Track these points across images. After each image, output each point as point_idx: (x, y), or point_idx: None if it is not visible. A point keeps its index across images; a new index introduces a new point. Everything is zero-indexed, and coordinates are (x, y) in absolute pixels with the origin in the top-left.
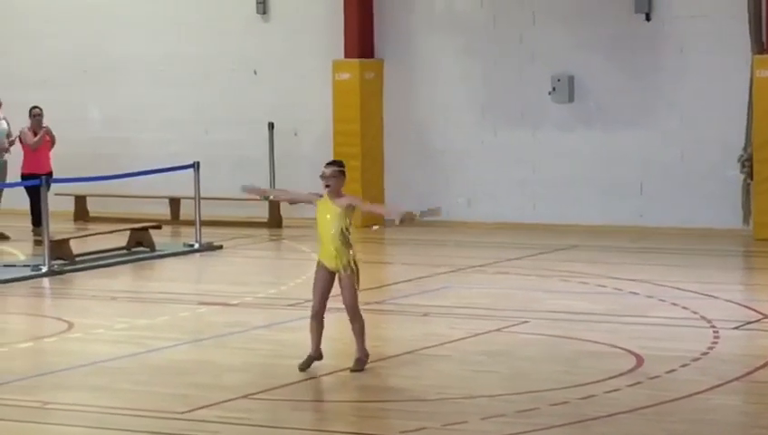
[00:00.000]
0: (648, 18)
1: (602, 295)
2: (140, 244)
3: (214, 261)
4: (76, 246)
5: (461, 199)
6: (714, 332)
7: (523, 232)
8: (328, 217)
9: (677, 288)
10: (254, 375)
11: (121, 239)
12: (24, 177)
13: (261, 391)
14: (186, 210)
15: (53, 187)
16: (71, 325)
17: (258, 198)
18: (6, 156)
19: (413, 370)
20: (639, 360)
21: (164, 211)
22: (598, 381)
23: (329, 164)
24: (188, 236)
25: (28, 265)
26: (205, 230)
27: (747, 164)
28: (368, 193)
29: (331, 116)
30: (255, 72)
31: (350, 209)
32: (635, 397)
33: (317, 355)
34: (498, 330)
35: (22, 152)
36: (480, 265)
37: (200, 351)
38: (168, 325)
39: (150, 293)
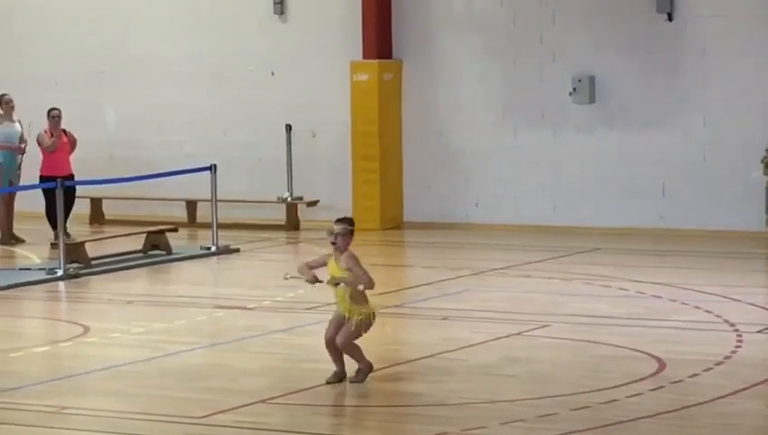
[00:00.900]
0: (670, 18)
1: (624, 299)
2: (157, 247)
3: (231, 264)
4: (92, 250)
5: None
6: (737, 335)
7: (543, 234)
8: (337, 275)
9: (700, 291)
10: (271, 379)
11: (138, 242)
12: (42, 178)
13: (279, 396)
14: (202, 213)
15: (78, 190)
16: (87, 329)
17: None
18: (20, 157)
19: (432, 374)
20: (662, 364)
21: (180, 214)
22: (620, 386)
23: (339, 221)
24: (205, 238)
25: (44, 269)
26: (222, 233)
27: None
28: (386, 195)
29: (349, 117)
30: (273, 74)
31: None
32: (657, 401)
33: (343, 375)
34: (519, 334)
35: (41, 154)
36: (500, 268)
37: (217, 355)
38: (185, 329)
39: (167, 296)
